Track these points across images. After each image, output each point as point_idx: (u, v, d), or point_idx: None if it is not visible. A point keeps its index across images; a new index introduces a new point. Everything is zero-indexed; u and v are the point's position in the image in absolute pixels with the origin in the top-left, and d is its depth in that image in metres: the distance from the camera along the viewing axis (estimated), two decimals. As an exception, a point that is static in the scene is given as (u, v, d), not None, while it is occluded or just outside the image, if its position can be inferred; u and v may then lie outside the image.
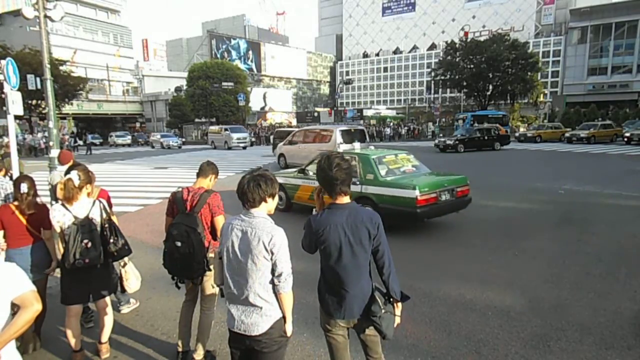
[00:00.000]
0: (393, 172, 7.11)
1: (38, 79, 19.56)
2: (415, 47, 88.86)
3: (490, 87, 44.94)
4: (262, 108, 62.83)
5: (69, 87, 37.35)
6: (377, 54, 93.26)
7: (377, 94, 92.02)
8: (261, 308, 2.16)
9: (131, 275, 3.62)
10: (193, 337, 3.32)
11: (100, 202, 3.28)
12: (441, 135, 36.53)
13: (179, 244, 2.98)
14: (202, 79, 45.05)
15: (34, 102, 33.83)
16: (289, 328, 2.25)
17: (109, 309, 3.39)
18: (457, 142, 23.93)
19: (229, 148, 30.71)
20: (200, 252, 3.01)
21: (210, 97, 44.62)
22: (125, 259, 3.51)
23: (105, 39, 65.31)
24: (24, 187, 3.34)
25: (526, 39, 56.70)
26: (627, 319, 3.84)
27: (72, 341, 3.23)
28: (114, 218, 3.40)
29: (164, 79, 65.38)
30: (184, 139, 43.05)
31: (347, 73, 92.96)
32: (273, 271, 2.15)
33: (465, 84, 45.55)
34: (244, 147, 31.12)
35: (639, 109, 39.56)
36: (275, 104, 66.31)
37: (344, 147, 13.25)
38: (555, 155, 20.77)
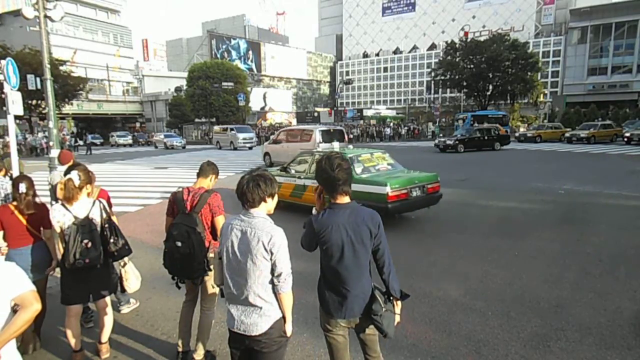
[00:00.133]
0: (368, 170, 7.45)
1: (38, 79, 19.60)
2: (415, 47, 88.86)
3: (490, 87, 44.94)
4: (262, 108, 62.82)
5: (69, 87, 37.38)
6: (377, 54, 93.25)
7: (377, 94, 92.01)
8: (261, 308, 2.16)
9: (131, 275, 3.62)
10: (193, 337, 3.31)
11: (100, 202, 3.28)
12: (441, 135, 36.56)
13: (179, 244, 2.98)
14: (202, 79, 45.04)
15: (34, 102, 33.85)
16: (288, 328, 2.25)
17: (109, 309, 3.39)
18: (457, 142, 23.94)
19: (235, 148, 30.28)
20: (200, 252, 3.01)
21: (210, 97, 44.62)
22: (125, 259, 3.50)
23: (105, 39, 65.35)
24: (22, 187, 3.34)
25: (526, 39, 56.69)
26: (627, 319, 3.84)
27: (72, 341, 3.23)
28: (114, 218, 3.40)
29: (164, 79, 65.44)
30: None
31: (347, 73, 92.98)
32: (272, 271, 2.15)
33: (465, 84, 45.54)
34: (250, 148, 30.73)
35: (639, 109, 39.60)
36: (275, 104, 66.31)
37: (323, 146, 13.77)
38: (555, 156, 20.77)
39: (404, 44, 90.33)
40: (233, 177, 14.17)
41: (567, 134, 29.45)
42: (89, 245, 3.05)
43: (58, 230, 3.12)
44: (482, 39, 47.44)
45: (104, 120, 56.88)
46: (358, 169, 7.28)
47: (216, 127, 36.17)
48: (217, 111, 45.46)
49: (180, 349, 3.28)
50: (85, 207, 3.17)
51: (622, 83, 52.82)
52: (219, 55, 71.23)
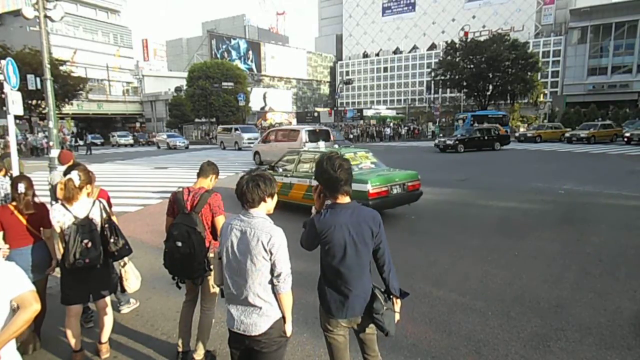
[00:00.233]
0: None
1: (38, 79, 19.60)
2: (415, 47, 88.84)
3: (490, 87, 44.94)
4: (262, 108, 62.81)
5: (69, 87, 37.36)
6: (377, 54, 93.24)
7: (377, 94, 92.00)
8: (260, 308, 2.16)
9: (131, 275, 3.62)
10: (193, 337, 3.31)
11: (100, 202, 3.28)
12: (441, 135, 36.55)
13: (179, 244, 2.98)
14: (202, 79, 45.03)
15: (34, 102, 33.85)
16: (288, 328, 2.25)
17: (109, 309, 3.39)
18: (457, 142, 23.94)
19: (239, 149, 29.78)
20: (200, 252, 3.01)
21: (210, 97, 44.61)
22: (125, 258, 3.50)
23: (105, 39, 65.34)
24: (21, 187, 3.34)
25: (526, 39, 56.65)
26: (627, 319, 3.84)
27: (72, 341, 3.23)
28: (114, 218, 3.40)
29: (164, 79, 65.43)
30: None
31: (347, 73, 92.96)
32: (272, 271, 2.15)
33: (465, 84, 45.52)
34: None
35: (639, 109, 39.60)
36: (275, 104, 66.30)
37: (309, 146, 14.34)
38: (555, 156, 20.76)
39: (404, 44, 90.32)
40: (233, 177, 14.16)
41: (567, 134, 29.45)
42: (89, 245, 3.05)
43: (58, 230, 3.12)
44: (482, 39, 47.44)
45: (104, 120, 56.87)
46: None
47: (220, 127, 35.88)
48: (217, 111, 45.45)
49: (180, 349, 3.28)
50: (85, 207, 3.17)
51: (622, 83, 52.80)
52: (219, 55, 71.24)
